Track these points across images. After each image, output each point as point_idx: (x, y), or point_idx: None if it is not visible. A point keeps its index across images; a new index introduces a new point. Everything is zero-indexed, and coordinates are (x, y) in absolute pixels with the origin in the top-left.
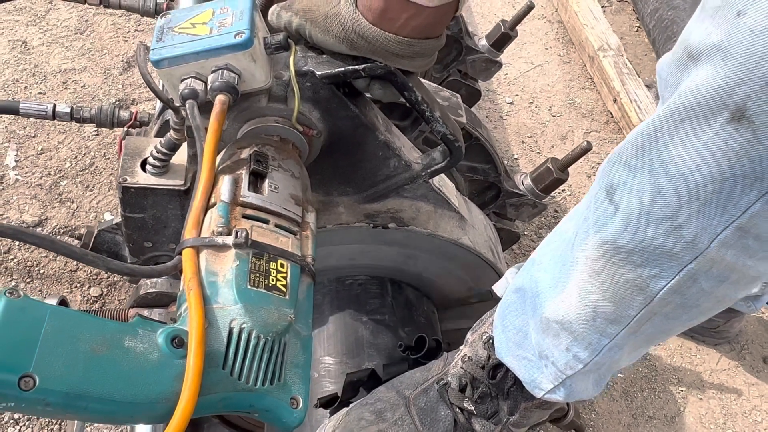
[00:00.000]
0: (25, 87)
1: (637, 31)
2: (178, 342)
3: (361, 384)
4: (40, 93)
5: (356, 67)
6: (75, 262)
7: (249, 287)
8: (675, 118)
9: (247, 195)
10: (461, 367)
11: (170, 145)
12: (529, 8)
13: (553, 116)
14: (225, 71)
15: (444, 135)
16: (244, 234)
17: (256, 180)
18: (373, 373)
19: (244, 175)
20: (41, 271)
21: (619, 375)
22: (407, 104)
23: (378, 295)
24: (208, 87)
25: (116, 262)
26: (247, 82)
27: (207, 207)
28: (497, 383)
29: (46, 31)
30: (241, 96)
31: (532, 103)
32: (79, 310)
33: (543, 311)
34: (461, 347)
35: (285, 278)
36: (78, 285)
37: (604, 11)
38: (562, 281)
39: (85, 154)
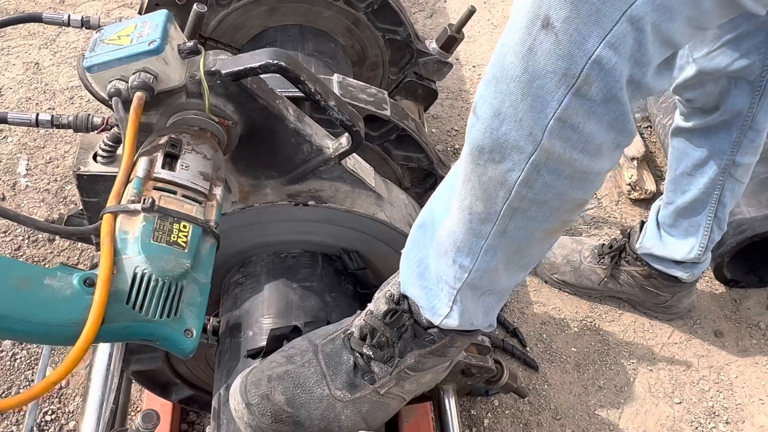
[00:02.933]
0: (37, 104)
1: None
2: (90, 282)
3: (285, 338)
4: (49, 108)
5: (253, 65)
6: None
7: (152, 242)
8: (509, 29)
9: (159, 172)
10: (363, 320)
11: (114, 138)
12: (471, 12)
13: None
14: (143, 73)
15: (342, 121)
16: (150, 201)
17: (171, 161)
18: (296, 329)
19: (159, 156)
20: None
21: (573, 349)
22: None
23: (309, 266)
24: (129, 86)
25: (44, 222)
26: (164, 82)
27: (127, 182)
28: (390, 324)
29: (56, 53)
30: (165, 93)
31: None
32: (9, 257)
33: (437, 234)
34: (368, 304)
35: (186, 236)
36: None
37: None
38: (450, 203)
39: None
